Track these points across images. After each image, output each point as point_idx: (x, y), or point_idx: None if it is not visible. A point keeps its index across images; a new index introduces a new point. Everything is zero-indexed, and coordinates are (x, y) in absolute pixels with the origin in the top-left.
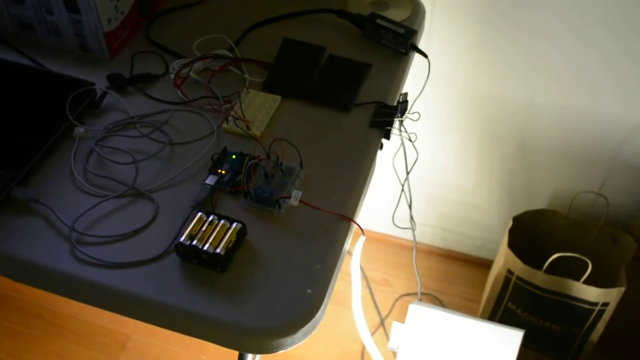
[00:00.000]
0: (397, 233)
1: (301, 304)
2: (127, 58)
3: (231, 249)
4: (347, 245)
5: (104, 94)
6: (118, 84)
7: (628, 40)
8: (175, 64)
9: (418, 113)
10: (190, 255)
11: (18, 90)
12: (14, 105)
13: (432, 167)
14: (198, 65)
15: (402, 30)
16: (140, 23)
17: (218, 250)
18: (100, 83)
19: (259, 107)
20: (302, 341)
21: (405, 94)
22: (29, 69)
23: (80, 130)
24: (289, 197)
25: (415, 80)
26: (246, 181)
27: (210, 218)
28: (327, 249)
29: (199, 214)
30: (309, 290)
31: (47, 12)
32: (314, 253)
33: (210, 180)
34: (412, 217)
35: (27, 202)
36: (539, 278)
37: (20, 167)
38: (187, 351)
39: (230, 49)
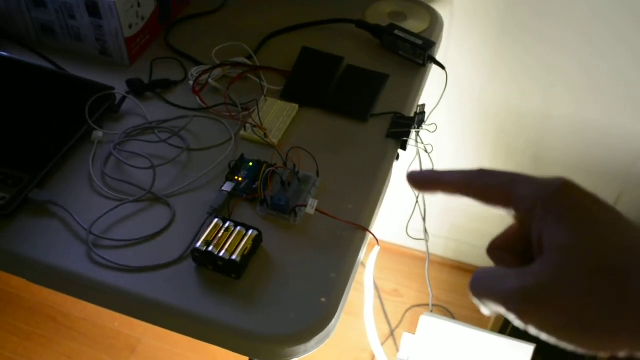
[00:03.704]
0: (409, 244)
1: (315, 312)
2: (147, 64)
3: (247, 256)
4: (362, 255)
5: (123, 98)
6: (137, 89)
7: None
8: (194, 71)
9: (435, 124)
10: (206, 261)
11: (38, 93)
12: (34, 108)
13: None
14: (217, 72)
15: (420, 42)
16: (160, 29)
17: (234, 257)
18: (119, 88)
19: (276, 115)
20: (315, 349)
21: (423, 105)
22: (50, 72)
23: (99, 134)
24: (305, 206)
25: (432, 90)
26: (263, 189)
27: (227, 225)
28: (342, 258)
29: (215, 220)
30: (323, 299)
31: (69, 17)
32: (329, 262)
33: (227, 187)
34: (426, 230)
35: (45, 204)
36: None
37: (38, 170)
38: (196, 355)
39: (249, 57)
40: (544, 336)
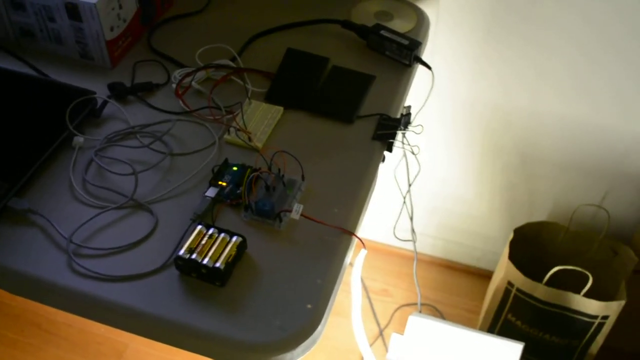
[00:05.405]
0: (398, 243)
1: (301, 319)
2: (129, 67)
3: (231, 263)
4: (348, 259)
5: (105, 103)
6: (119, 93)
7: (629, 54)
8: (177, 73)
9: (421, 126)
10: (189, 269)
11: (17, 99)
12: (13, 114)
13: (434, 179)
14: (200, 74)
15: (406, 42)
16: (142, 31)
17: (217, 265)
18: (101, 92)
19: (261, 118)
20: (302, 357)
21: (409, 107)
22: (29, 77)
23: (79, 139)
24: (290, 211)
25: (418, 91)
26: (247, 194)
27: (210, 231)
28: (328, 264)
29: (199, 227)
30: (309, 305)
31: (48, 19)
32: (315, 267)
33: (211, 192)
34: (413, 230)
35: (25, 213)
36: (539, 290)
37: (18, 177)
38: None
39: (233, 59)
40: None
